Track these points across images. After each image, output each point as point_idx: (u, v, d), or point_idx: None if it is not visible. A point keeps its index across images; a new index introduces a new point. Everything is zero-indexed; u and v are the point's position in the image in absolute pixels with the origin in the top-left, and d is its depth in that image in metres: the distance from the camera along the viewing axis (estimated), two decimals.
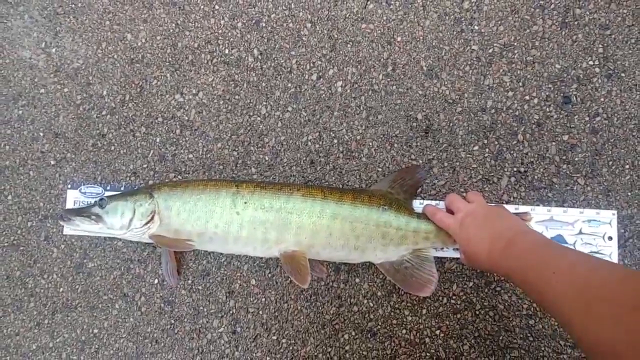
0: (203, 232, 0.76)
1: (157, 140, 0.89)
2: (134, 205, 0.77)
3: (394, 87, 0.86)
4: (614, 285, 0.44)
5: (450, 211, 0.75)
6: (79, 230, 0.80)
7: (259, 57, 0.89)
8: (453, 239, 0.74)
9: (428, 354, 0.79)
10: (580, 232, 0.79)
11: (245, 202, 0.75)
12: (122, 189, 0.87)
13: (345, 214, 0.74)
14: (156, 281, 0.86)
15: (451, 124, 0.84)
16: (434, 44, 0.86)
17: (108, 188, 0.87)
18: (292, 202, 0.75)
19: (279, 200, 0.75)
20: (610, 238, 0.79)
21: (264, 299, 0.83)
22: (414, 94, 0.86)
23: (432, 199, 0.83)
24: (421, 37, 0.86)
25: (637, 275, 0.44)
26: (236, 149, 0.87)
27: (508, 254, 0.60)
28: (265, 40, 0.89)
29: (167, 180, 0.87)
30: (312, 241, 0.74)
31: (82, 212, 0.78)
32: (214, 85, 0.89)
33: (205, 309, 0.84)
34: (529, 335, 0.78)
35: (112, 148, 0.90)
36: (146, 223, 0.76)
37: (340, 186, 0.85)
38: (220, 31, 0.90)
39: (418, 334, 0.80)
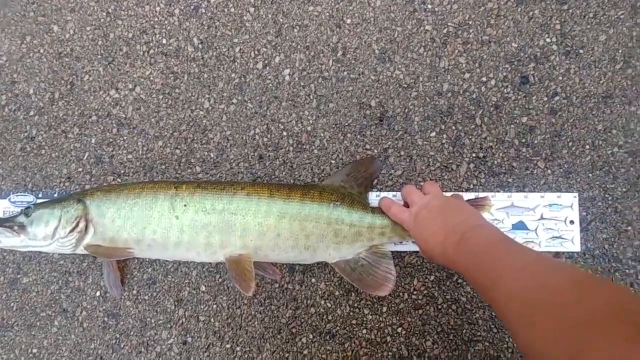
0: (141, 239, 0.70)
1: (92, 141, 0.82)
2: (60, 212, 0.70)
3: (345, 73, 0.81)
4: (565, 296, 0.39)
5: (407, 204, 0.71)
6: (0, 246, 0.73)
7: (200, 46, 0.82)
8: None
9: (390, 353, 0.75)
10: (542, 218, 0.76)
11: (185, 205, 0.69)
12: (55, 195, 0.80)
13: (293, 213, 0.69)
14: (98, 293, 0.79)
15: (406, 110, 0.80)
16: (385, 25, 0.81)
17: (40, 195, 0.80)
18: (236, 202, 0.69)
19: (222, 201, 0.69)
20: (572, 222, 0.76)
21: (215, 306, 0.78)
22: (367, 79, 0.81)
23: (389, 191, 0.78)
24: (372, 19, 0.81)
25: (593, 284, 0.40)
26: (179, 147, 0.81)
27: (460, 250, 0.56)
28: (206, 27, 0.82)
29: (104, 184, 0.80)
30: (259, 243, 0.69)
31: (4, 221, 0.71)
32: (151, 78, 0.82)
33: (152, 320, 0.78)
34: (492, 327, 0.75)
35: (43, 152, 0.82)
36: (71, 231, 0.69)
37: (292, 182, 0.79)
38: (156, 19, 0.83)
39: (379, 333, 0.76)
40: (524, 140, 0.79)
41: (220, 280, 0.78)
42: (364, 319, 0.76)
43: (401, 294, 0.77)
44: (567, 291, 0.40)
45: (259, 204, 0.69)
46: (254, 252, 0.70)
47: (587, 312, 0.36)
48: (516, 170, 0.78)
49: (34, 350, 0.79)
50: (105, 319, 0.79)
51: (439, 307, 0.76)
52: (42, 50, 0.84)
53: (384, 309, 0.77)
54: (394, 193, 0.77)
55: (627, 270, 0.76)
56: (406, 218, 0.67)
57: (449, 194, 0.76)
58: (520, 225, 0.76)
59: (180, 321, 0.78)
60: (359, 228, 0.71)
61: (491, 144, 0.79)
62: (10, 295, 0.81)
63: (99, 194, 0.71)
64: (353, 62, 0.81)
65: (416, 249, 0.76)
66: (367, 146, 0.80)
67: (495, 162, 0.79)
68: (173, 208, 0.69)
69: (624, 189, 0.77)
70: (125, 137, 0.82)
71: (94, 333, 0.79)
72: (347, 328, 0.76)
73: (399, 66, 0.81)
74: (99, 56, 0.83)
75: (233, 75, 0.82)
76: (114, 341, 0.78)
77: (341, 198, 0.71)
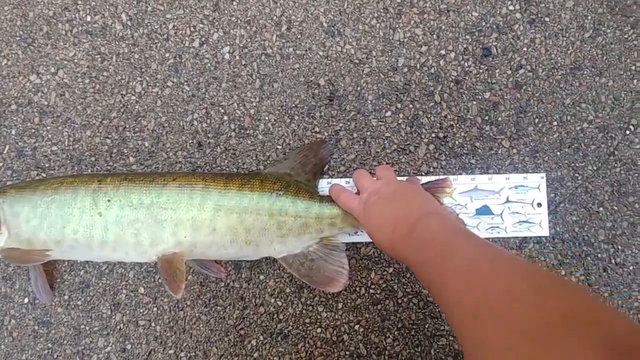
0: (60, 240, 0.62)
1: (12, 132, 0.74)
2: None
3: (291, 49, 0.73)
4: (516, 302, 0.33)
5: (359, 191, 0.64)
6: None
7: (129, 23, 0.74)
8: None
9: (347, 352, 0.69)
10: (508, 201, 0.70)
11: (109, 200, 0.62)
12: None
13: (230, 205, 0.62)
14: (26, 300, 0.72)
15: (359, 88, 0.73)
16: None
17: None
18: (166, 195, 0.62)
19: (150, 194, 0.62)
20: (539, 204, 0.70)
21: (155, 309, 0.71)
22: (314, 55, 0.73)
23: (341, 177, 0.72)
24: None
25: (549, 289, 0.33)
26: (109, 136, 0.73)
27: (408, 243, 0.50)
28: (135, 2, 0.74)
29: (28, 179, 0.73)
30: (194, 240, 0.62)
31: None
32: (76, 60, 0.74)
33: (87, 327, 0.71)
34: None
35: None
36: None
37: (235, 170, 0.72)
38: None
39: (335, 332, 0.70)
40: (487, 118, 0.72)
41: (160, 281, 0.71)
42: (318, 317, 0.70)
43: (358, 288, 0.71)
44: (519, 296, 0.34)
45: (191, 197, 0.62)
46: (189, 250, 0.63)
47: (539, 323, 0.30)
48: (479, 150, 0.72)
49: None
50: (36, 327, 0.72)
51: (399, 301, 0.70)
52: None
53: (340, 305, 0.71)
54: (347, 179, 0.71)
55: (599, 255, 0.70)
56: (355, 206, 0.61)
57: (405, 178, 0.70)
58: (484, 210, 0.70)
59: (118, 327, 0.71)
60: (305, 219, 0.64)
61: (452, 122, 0.72)
62: None
63: (12, 191, 0.64)
64: (299, 36, 0.73)
65: None
66: (317, 129, 0.73)
67: (457, 142, 0.72)
68: (95, 204, 0.62)
69: (595, 167, 0.71)
70: (49, 127, 0.74)
71: (25, 343, 0.72)
72: (300, 327, 0.70)
73: (350, 40, 0.73)
74: (18, 38, 0.75)
75: (167, 55, 0.74)
76: (46, 351, 0.71)
77: (285, 187, 0.65)
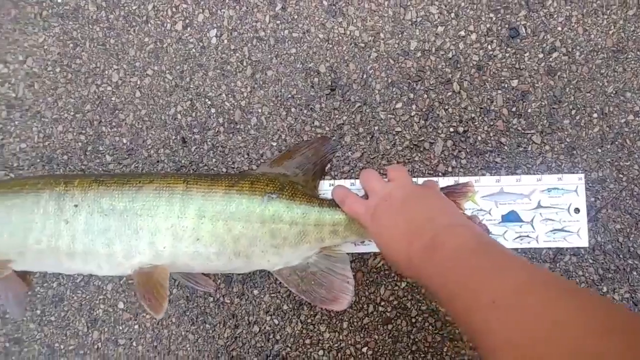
0: (23, 251, 0.54)
1: None
2: None
3: (286, 31, 0.64)
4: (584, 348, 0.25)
5: (367, 194, 0.55)
6: None
7: (103, 4, 0.66)
8: None
9: None
10: (539, 206, 0.60)
11: (76, 205, 0.54)
12: None
13: (216, 210, 0.54)
14: None
15: (365, 76, 0.63)
16: None
17: None
18: (142, 200, 0.54)
19: (123, 199, 0.54)
20: (577, 210, 0.60)
21: (137, 326, 0.63)
22: (313, 39, 0.64)
23: (345, 178, 0.63)
24: None
25: (628, 328, 0.25)
26: (83, 132, 0.65)
27: (428, 259, 0.41)
28: None
29: None
30: (175, 251, 0.54)
31: None
32: (46, 47, 0.66)
33: (62, 346, 0.64)
34: None
35: None
36: None
37: (223, 170, 0.64)
38: None
39: (340, 355, 0.61)
40: (514, 110, 0.62)
41: None
42: (320, 337, 0.62)
43: (365, 305, 0.62)
44: (590, 338, 0.25)
45: (170, 201, 0.54)
46: (170, 263, 0.55)
47: None
48: (506, 147, 0.62)
49: None
50: (7, 344, 0.64)
51: (413, 320, 0.61)
52: None
53: (345, 324, 0.62)
54: (352, 181, 0.62)
55: None
56: (363, 213, 0.52)
57: (420, 180, 0.60)
58: (512, 217, 0.61)
59: (96, 346, 0.63)
60: (303, 226, 0.55)
61: (473, 115, 0.63)
62: None
63: None
64: (296, 17, 0.64)
65: None
66: (317, 123, 0.64)
67: (479, 137, 0.63)
68: (61, 210, 0.54)
69: None
70: (16, 122, 0.66)
71: None
72: (300, 349, 0.62)
73: (354, 20, 0.64)
74: None
75: (147, 39, 0.65)
76: None
77: (279, 189, 0.56)
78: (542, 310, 0.29)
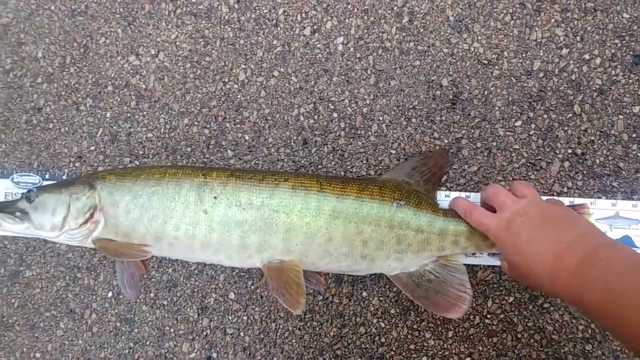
0: (160, 236, 0.57)
1: (107, 115, 0.70)
2: (69, 199, 0.58)
3: (412, 44, 0.66)
4: None
5: (489, 207, 0.56)
6: (1, 230, 0.62)
7: (236, 6, 0.69)
8: (491, 242, 0.56)
9: None
10: None
11: (216, 197, 0.56)
12: (63, 177, 0.68)
13: (349, 212, 0.56)
14: (110, 294, 0.68)
15: (486, 92, 0.65)
16: None
17: (47, 177, 0.69)
18: (279, 197, 0.56)
19: (261, 194, 0.56)
20: None
21: (245, 317, 0.66)
22: (438, 53, 0.66)
23: (460, 190, 0.64)
24: None
25: None
26: (208, 126, 0.68)
27: (587, 276, 0.42)
28: None
29: (119, 167, 0.68)
30: (306, 248, 0.56)
31: (4, 207, 0.60)
32: (178, 43, 0.69)
33: (172, 330, 0.66)
34: None
35: (51, 125, 0.70)
36: (84, 223, 0.58)
37: (342, 174, 0.66)
38: None
39: None
40: (634, 135, 0.63)
41: (252, 287, 0.66)
42: (425, 344, 0.63)
43: (472, 317, 0.63)
44: None
45: (306, 200, 0.56)
46: (299, 259, 0.57)
47: None
48: (623, 172, 0.63)
49: (37, 355, 0.69)
50: (118, 324, 0.68)
51: (519, 335, 0.62)
52: (53, 7, 0.72)
53: (450, 333, 0.63)
54: (467, 194, 0.63)
55: None
56: (494, 226, 0.53)
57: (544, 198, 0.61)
58: (626, 242, 0.61)
59: (205, 333, 0.66)
60: (427, 234, 0.57)
61: (593, 138, 0.63)
62: (12, 289, 0.70)
63: (112, 178, 0.59)
64: (421, 30, 0.66)
65: (492, 262, 0.62)
66: (436, 134, 0.65)
67: (597, 161, 0.63)
68: (200, 200, 0.56)
69: None
70: (145, 112, 0.69)
71: (105, 340, 0.67)
72: (404, 354, 0.63)
73: (479, 37, 0.65)
74: (118, 15, 0.70)
75: (275, 42, 0.68)
76: (127, 351, 0.67)
77: (406, 196, 0.58)
78: None
